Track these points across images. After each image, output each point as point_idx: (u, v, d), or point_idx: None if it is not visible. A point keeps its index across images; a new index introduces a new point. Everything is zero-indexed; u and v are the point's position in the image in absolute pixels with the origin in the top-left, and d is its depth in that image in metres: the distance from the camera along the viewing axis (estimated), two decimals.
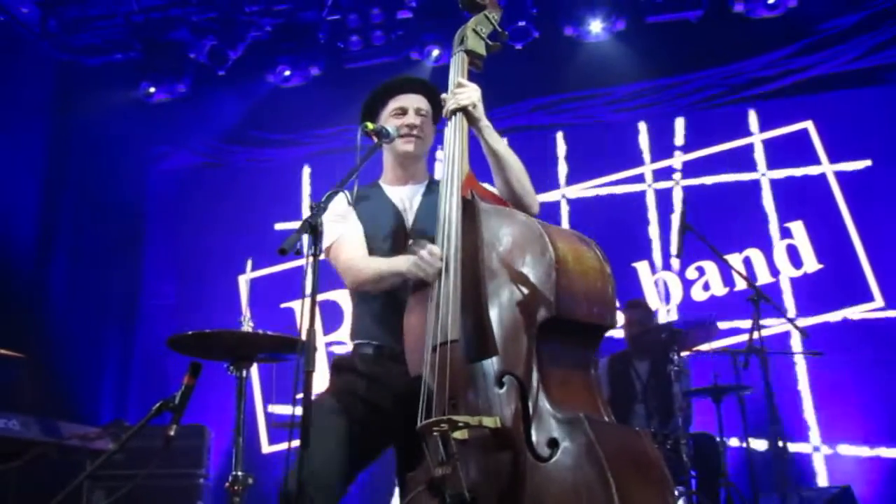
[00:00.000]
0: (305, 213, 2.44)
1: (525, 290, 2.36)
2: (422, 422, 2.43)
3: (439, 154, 2.77)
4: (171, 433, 2.84)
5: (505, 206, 2.66)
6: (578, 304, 2.34)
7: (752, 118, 7.12)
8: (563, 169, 7.43)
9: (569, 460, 2.13)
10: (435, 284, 2.54)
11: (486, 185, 2.83)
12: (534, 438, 2.21)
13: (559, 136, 7.53)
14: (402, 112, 3.02)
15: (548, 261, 2.32)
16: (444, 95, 2.87)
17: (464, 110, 2.78)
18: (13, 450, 4.49)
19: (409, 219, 2.95)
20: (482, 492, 2.29)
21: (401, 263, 2.72)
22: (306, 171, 7.96)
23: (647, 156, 7.28)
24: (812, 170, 6.87)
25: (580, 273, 2.37)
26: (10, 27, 7.13)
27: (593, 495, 2.05)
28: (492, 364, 2.37)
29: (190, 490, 5.78)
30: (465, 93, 2.80)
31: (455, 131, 2.76)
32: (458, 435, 2.32)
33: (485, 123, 2.81)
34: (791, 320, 5.03)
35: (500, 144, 2.83)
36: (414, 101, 3.04)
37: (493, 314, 2.41)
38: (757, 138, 7.07)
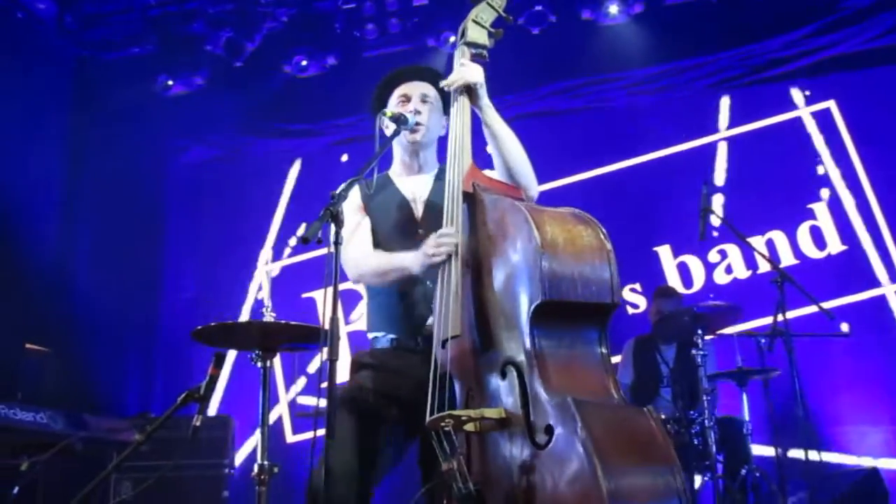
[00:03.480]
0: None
1: (516, 278, 2.37)
2: (428, 418, 2.45)
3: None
4: (198, 423, 2.87)
5: (508, 191, 2.66)
6: (570, 286, 2.32)
7: (774, 100, 7.04)
8: (580, 153, 7.38)
9: (561, 446, 2.12)
10: (441, 280, 2.55)
11: (488, 173, 2.83)
12: (534, 426, 2.21)
13: (577, 120, 7.48)
14: (406, 99, 3.03)
15: (533, 246, 2.32)
16: (444, 81, 2.85)
17: (469, 89, 2.77)
18: (41, 443, 4.55)
19: (419, 210, 2.95)
20: (490, 483, 2.31)
21: (407, 260, 2.73)
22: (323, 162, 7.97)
23: (666, 139, 7.22)
24: (835, 150, 6.79)
25: (571, 255, 2.35)
26: (27, 23, 7.17)
27: (583, 480, 2.03)
28: (496, 355, 2.38)
29: (215, 480, 5.81)
30: (469, 69, 2.79)
31: (457, 118, 2.75)
32: (468, 428, 2.35)
33: (487, 103, 2.81)
34: (816, 302, 4.96)
35: (502, 126, 2.83)
36: (418, 88, 3.05)
37: (493, 305, 2.43)
38: (778, 119, 6.99)
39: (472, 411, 2.34)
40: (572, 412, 2.11)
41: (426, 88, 3.06)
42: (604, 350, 2.41)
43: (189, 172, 8.30)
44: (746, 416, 5.11)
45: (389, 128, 2.93)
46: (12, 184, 6.62)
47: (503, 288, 2.41)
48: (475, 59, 2.86)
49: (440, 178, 3.00)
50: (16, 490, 4.47)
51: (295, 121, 7.94)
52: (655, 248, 6.98)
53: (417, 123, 2.96)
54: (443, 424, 2.37)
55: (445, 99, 3.01)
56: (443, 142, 3.03)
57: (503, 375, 2.34)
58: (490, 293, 2.45)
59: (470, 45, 2.85)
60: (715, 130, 7.10)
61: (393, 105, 3.04)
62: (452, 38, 7.08)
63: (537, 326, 2.31)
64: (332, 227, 2.38)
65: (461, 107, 2.77)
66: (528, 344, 2.30)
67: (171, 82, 7.63)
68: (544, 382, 2.23)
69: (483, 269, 2.49)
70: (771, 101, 7.02)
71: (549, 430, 2.16)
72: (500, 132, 2.81)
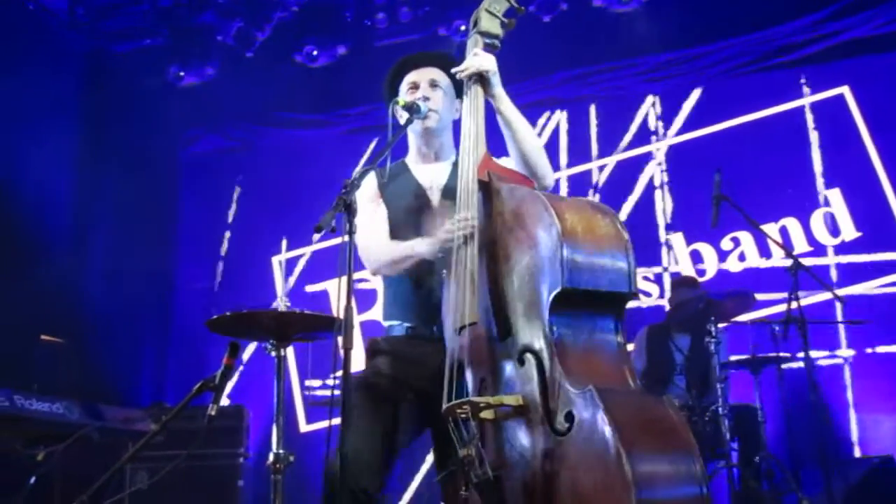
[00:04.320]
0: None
1: (535, 266, 2.37)
2: (445, 405, 2.45)
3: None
4: (213, 413, 2.87)
5: (522, 182, 2.66)
6: (589, 275, 2.33)
7: (787, 86, 6.99)
8: (593, 141, 7.36)
9: (584, 433, 2.14)
10: (454, 268, 2.55)
11: (503, 161, 2.82)
12: (553, 413, 2.22)
13: (589, 108, 7.45)
14: (415, 87, 3.02)
15: (554, 234, 2.32)
16: (457, 69, 2.85)
17: (481, 77, 2.76)
18: (57, 433, 4.58)
19: (435, 198, 2.95)
20: (507, 470, 2.32)
21: (420, 246, 2.74)
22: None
23: (678, 126, 7.19)
24: (849, 136, 6.73)
25: (591, 243, 2.36)
26: (38, 16, 7.18)
27: (607, 466, 2.05)
28: (513, 342, 2.38)
29: (231, 469, 5.85)
30: (482, 57, 2.79)
31: (470, 108, 2.75)
32: (484, 415, 2.35)
33: (500, 92, 2.81)
34: (830, 289, 4.94)
35: (516, 115, 2.82)
36: (427, 74, 3.04)
37: (510, 292, 2.43)
38: (791, 105, 6.95)
39: (491, 398, 2.34)
40: (594, 399, 2.12)
41: (435, 74, 3.05)
42: (620, 339, 2.42)
43: (201, 162, 8.32)
44: (759, 404, 5.10)
45: (402, 116, 2.92)
46: (25, 176, 6.65)
47: (521, 276, 2.41)
48: (487, 49, 2.85)
49: (457, 165, 2.99)
50: (32, 480, 4.51)
51: (306, 110, 7.94)
52: (668, 236, 6.97)
53: (429, 110, 2.95)
54: (460, 411, 2.37)
55: (457, 83, 2.99)
56: (458, 128, 3.02)
57: (521, 363, 2.34)
58: (507, 281, 2.44)
59: (483, 34, 2.85)
60: (728, 117, 7.05)
61: (403, 93, 3.03)
62: (463, 27, 7.06)
63: (556, 314, 2.31)
64: (346, 216, 2.38)
65: (474, 95, 2.76)
66: (546, 331, 2.30)
67: (182, 73, 7.63)
68: (564, 370, 2.23)
69: (499, 257, 2.49)
70: (784, 87, 6.97)
71: (570, 417, 2.17)
72: (514, 121, 2.80)
